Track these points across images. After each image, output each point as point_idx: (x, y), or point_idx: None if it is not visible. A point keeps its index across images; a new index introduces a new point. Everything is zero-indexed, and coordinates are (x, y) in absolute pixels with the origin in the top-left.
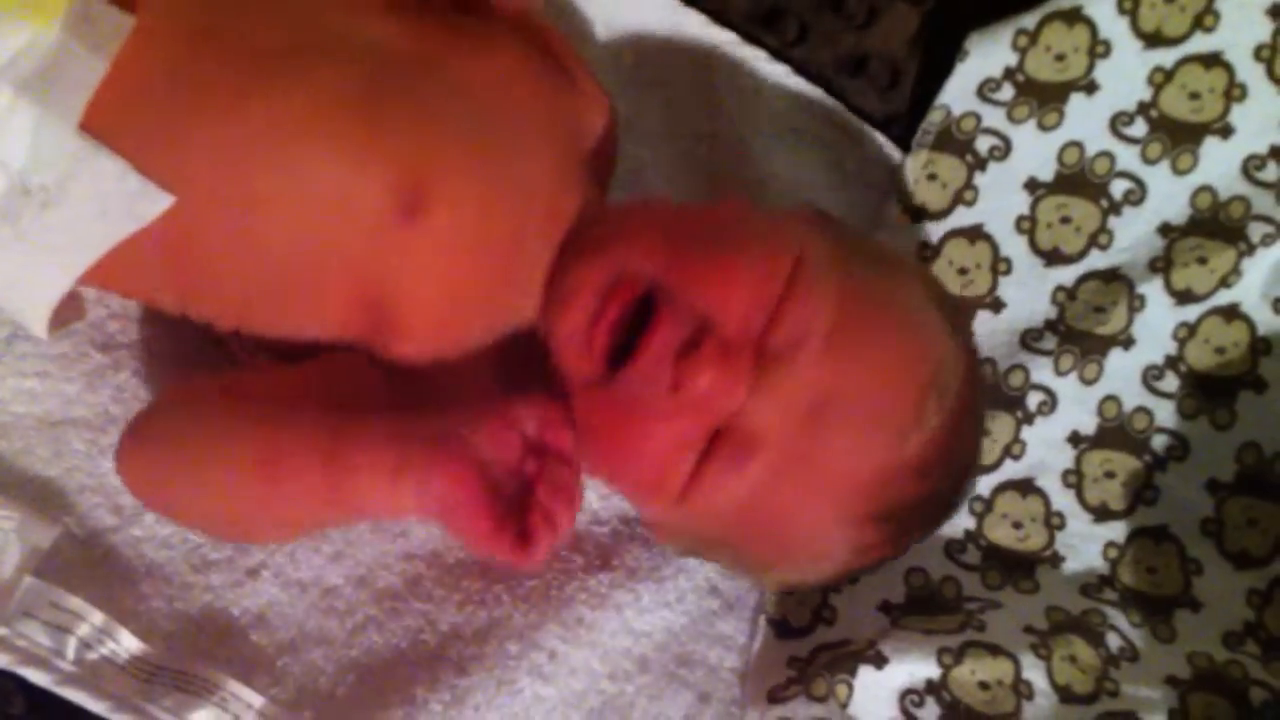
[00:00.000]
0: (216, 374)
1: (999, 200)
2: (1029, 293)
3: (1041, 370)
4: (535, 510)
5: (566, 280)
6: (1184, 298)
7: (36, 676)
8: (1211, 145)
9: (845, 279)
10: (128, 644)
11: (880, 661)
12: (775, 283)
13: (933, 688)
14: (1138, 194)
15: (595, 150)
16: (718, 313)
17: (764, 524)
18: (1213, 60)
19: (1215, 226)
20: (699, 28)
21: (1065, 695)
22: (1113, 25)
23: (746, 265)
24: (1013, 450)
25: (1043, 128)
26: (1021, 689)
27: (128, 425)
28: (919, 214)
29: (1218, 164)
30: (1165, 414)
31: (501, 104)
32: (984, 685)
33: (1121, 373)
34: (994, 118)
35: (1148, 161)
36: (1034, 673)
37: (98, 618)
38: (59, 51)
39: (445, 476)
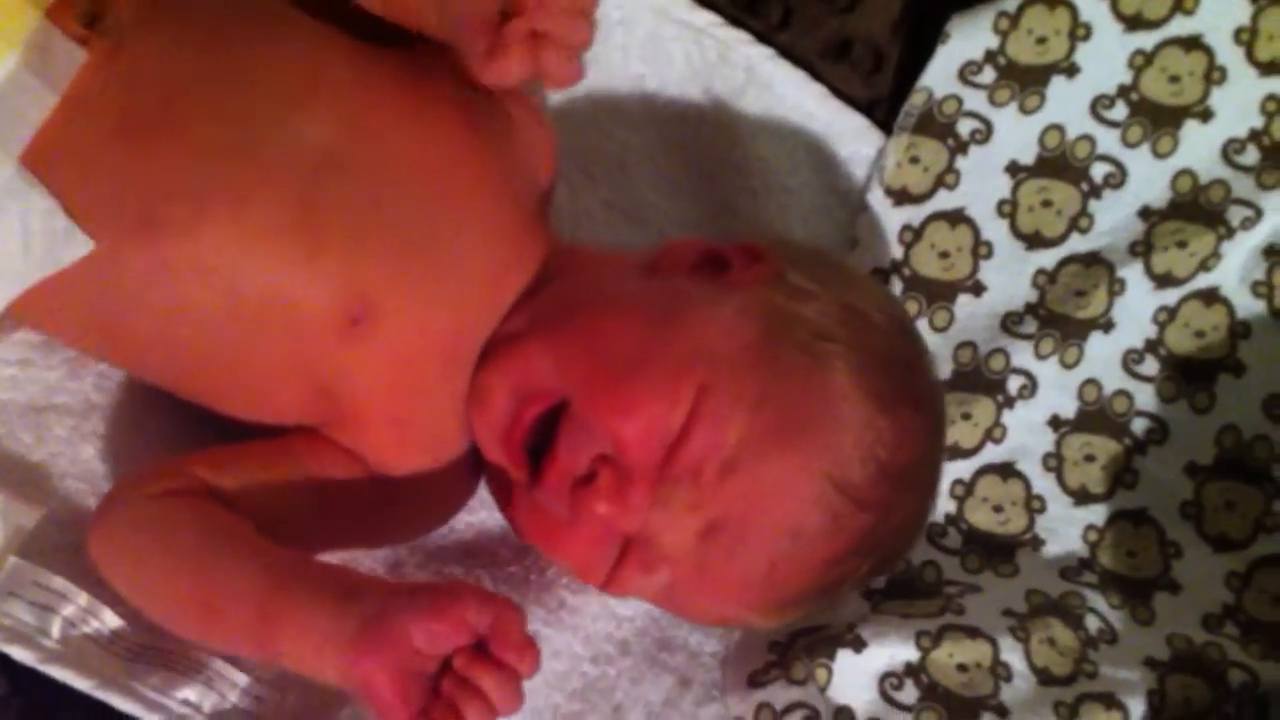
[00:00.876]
0: (199, 456)
1: (980, 183)
2: (1010, 276)
3: (1022, 354)
4: (441, 708)
5: (479, 381)
6: (1164, 281)
7: (21, 654)
8: (1191, 128)
9: (752, 402)
10: (112, 623)
11: (859, 645)
12: (676, 415)
13: (911, 670)
14: (1118, 177)
15: (547, 185)
16: (618, 441)
17: (676, 607)
18: (1193, 43)
19: (1195, 210)
20: (685, 11)
21: (1044, 677)
22: (1094, 8)
23: (650, 398)
24: (993, 434)
25: (1024, 111)
26: (1000, 671)
27: (99, 506)
28: (901, 197)
29: (1198, 147)
30: (1145, 397)
31: (448, 180)
32: (962, 668)
33: (1102, 356)
34: (975, 101)
35: (1128, 145)
36: (1012, 655)
37: (82, 598)
38: (11, 82)
39: (372, 665)
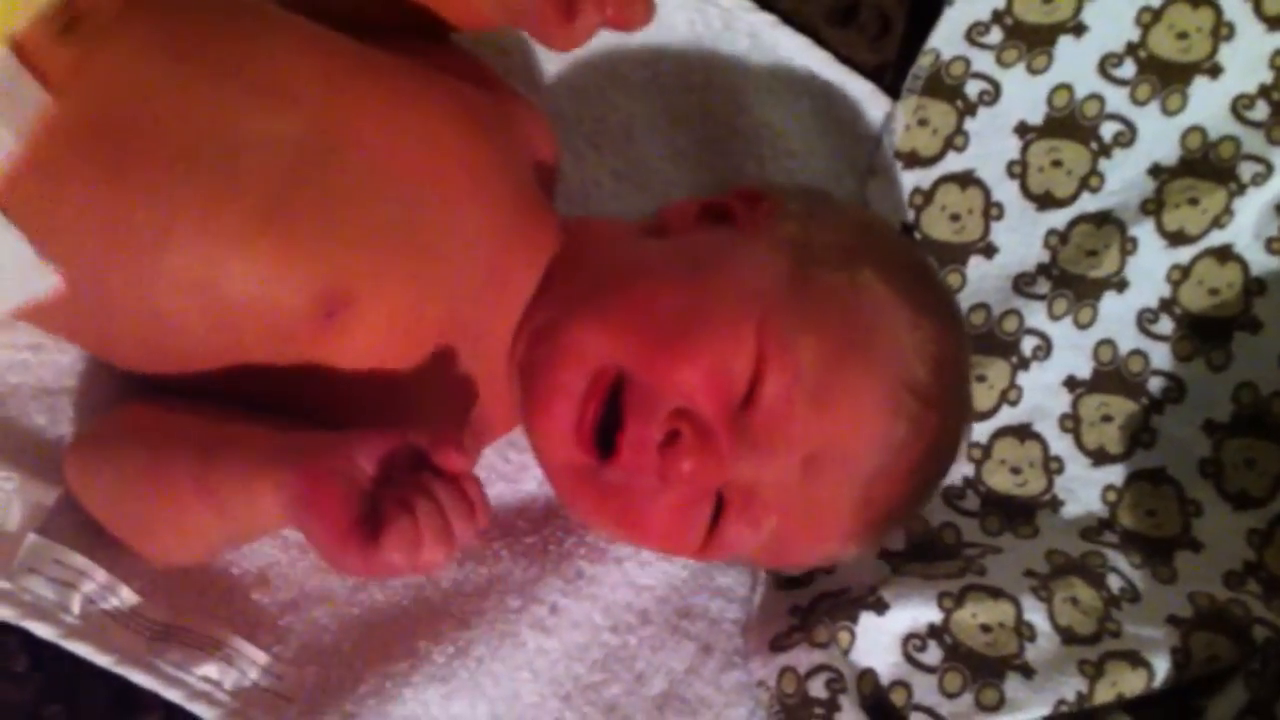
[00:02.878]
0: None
1: (990, 145)
2: (1021, 237)
3: (1036, 315)
4: (390, 504)
5: (533, 386)
6: (1176, 239)
7: (42, 630)
8: (1200, 85)
9: (812, 328)
10: (131, 600)
11: (881, 607)
12: (742, 356)
13: (934, 631)
14: (1128, 136)
15: (550, 170)
16: (687, 392)
17: (779, 554)
18: None
19: (1206, 167)
20: None
21: (1067, 636)
22: None
23: (711, 348)
24: (1009, 396)
25: (1032, 71)
26: (1023, 630)
27: (74, 436)
28: (910, 160)
29: (1207, 104)
30: (1160, 356)
31: (439, 174)
32: (986, 628)
33: (1116, 316)
34: (983, 62)
35: (1137, 103)
36: (1035, 615)
37: (101, 575)
38: None
39: (304, 477)
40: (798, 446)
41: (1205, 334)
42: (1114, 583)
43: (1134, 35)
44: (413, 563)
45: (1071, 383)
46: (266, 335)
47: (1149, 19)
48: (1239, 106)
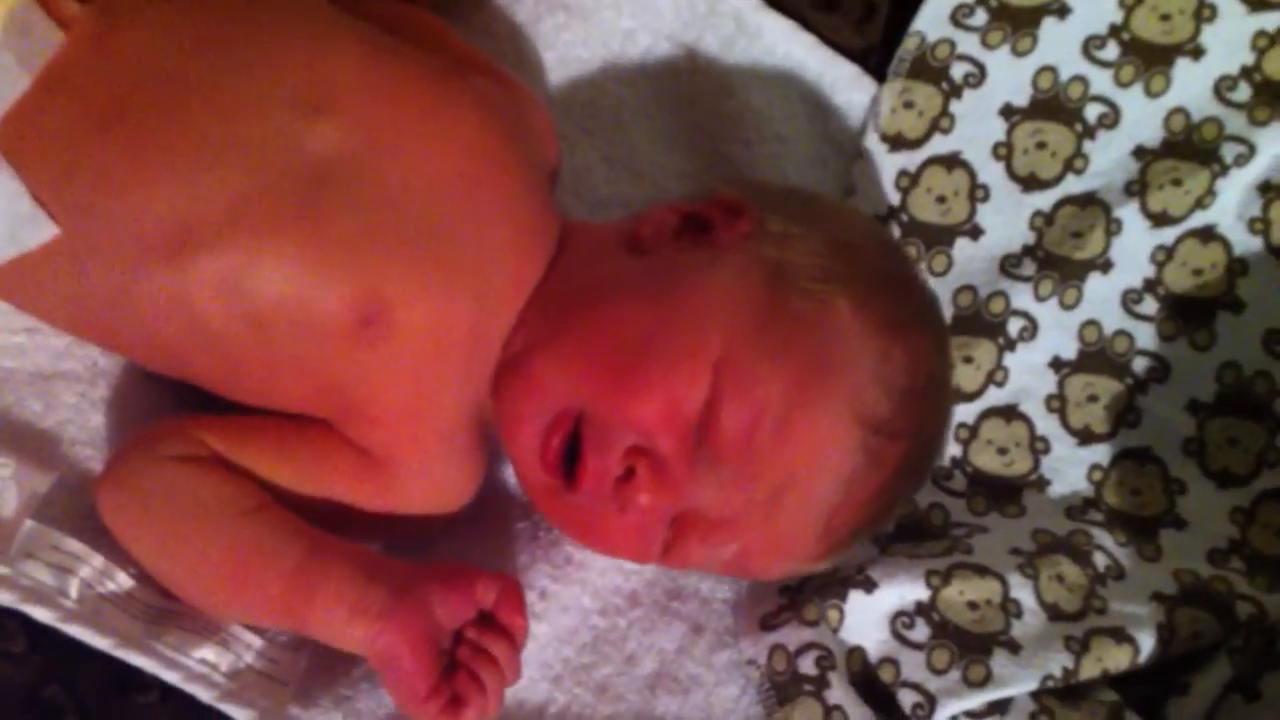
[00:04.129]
0: (209, 421)
1: (975, 127)
2: (1007, 219)
3: (1021, 296)
4: (463, 676)
5: (501, 411)
6: (1160, 220)
7: (40, 614)
8: (1183, 67)
9: (774, 361)
10: (128, 585)
11: (870, 586)
12: (695, 390)
13: (922, 609)
14: (1111, 117)
15: (554, 166)
16: (642, 431)
17: (742, 571)
18: None
19: (1189, 148)
20: None
21: (1053, 613)
22: None
23: (663, 385)
24: (996, 377)
25: (1016, 53)
26: (1010, 608)
27: (110, 459)
28: (896, 143)
29: (1190, 85)
30: (1145, 336)
31: (466, 176)
32: (973, 605)
33: (1101, 297)
34: (968, 44)
35: (1121, 84)
36: (1022, 592)
37: (98, 560)
38: None
39: (397, 634)
40: (758, 479)
41: (1189, 314)
42: (1099, 560)
43: (1117, 17)
44: None
45: (1057, 363)
46: (298, 337)
47: (1132, 1)
48: (1221, 88)
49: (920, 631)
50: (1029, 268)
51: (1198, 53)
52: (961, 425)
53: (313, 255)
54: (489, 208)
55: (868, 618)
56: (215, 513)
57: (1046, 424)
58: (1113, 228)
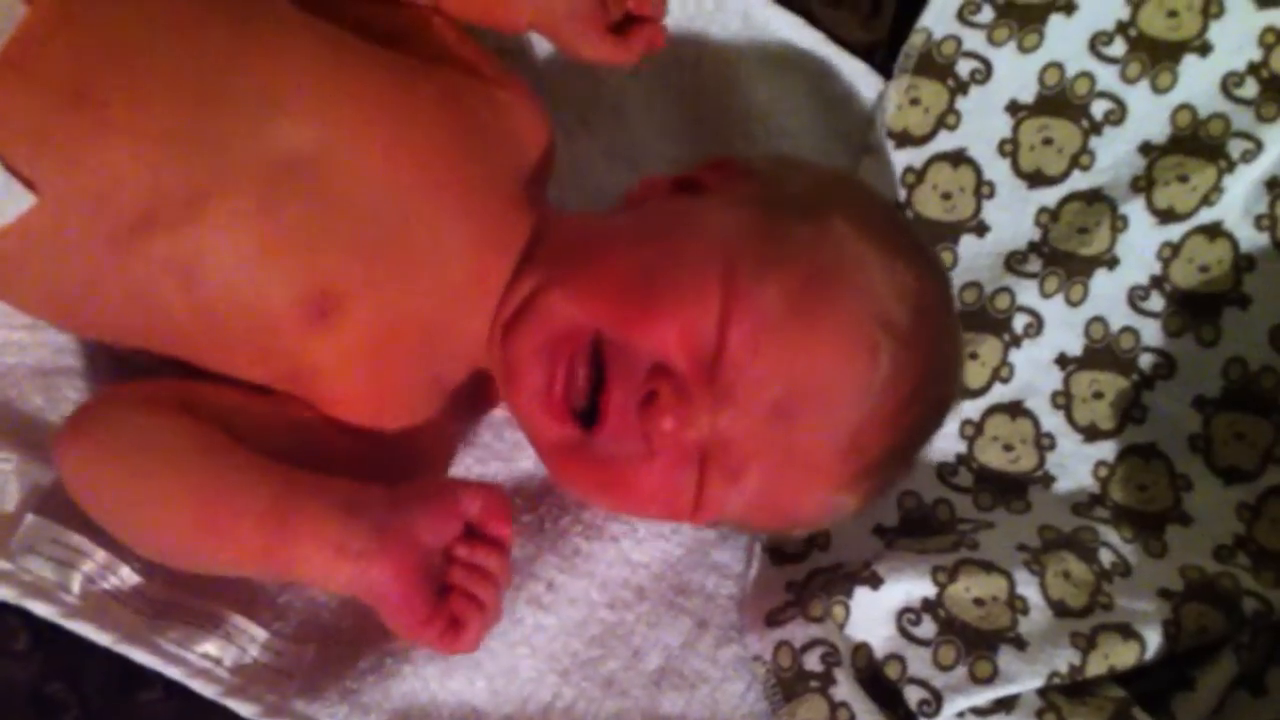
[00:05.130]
0: (178, 381)
1: (981, 123)
2: (1013, 215)
3: (1027, 292)
4: (458, 597)
5: (507, 356)
6: (1166, 217)
7: (42, 609)
8: (1190, 63)
9: (779, 273)
10: (131, 580)
11: (876, 582)
12: (710, 307)
13: (929, 605)
14: (1118, 114)
15: (539, 162)
16: (662, 349)
17: (770, 510)
18: None
19: (1196, 144)
20: None
21: (1060, 609)
22: None
23: (677, 302)
24: (1001, 374)
25: (1023, 49)
26: (1016, 604)
27: (73, 413)
28: (902, 139)
29: (1197, 81)
30: (1151, 333)
31: (425, 172)
32: (979, 601)
33: (1107, 293)
34: (974, 40)
35: (1127, 81)
36: (1028, 588)
37: (100, 555)
38: None
39: (386, 568)
40: (767, 390)
41: (1195, 310)
42: (1105, 557)
43: (1124, 13)
44: (479, 641)
45: (1063, 360)
46: (251, 328)
47: None
48: (1229, 84)
49: (926, 628)
50: (1035, 264)
51: (1205, 49)
52: (967, 422)
53: (267, 247)
54: (447, 206)
55: (874, 614)
56: (178, 451)
57: (1052, 420)
58: (1119, 224)
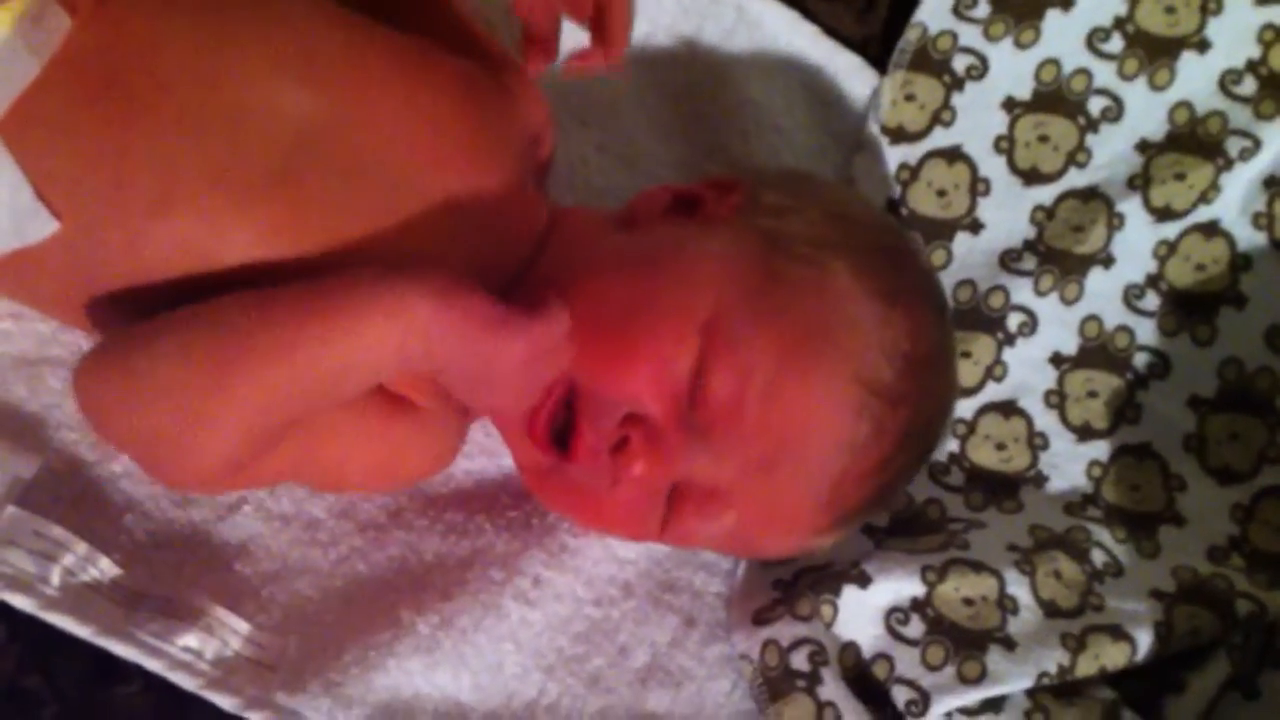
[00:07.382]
0: None
1: (977, 120)
2: (1008, 213)
3: (1022, 291)
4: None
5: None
6: (1163, 215)
7: (21, 601)
8: (1188, 60)
9: (768, 326)
10: (111, 572)
11: (864, 581)
12: (684, 357)
13: (917, 605)
14: (1115, 111)
15: (544, 149)
16: (632, 400)
17: (746, 546)
18: None
19: (1193, 142)
20: None
21: (1050, 610)
22: None
23: (651, 353)
24: (994, 372)
25: (1019, 45)
26: (1006, 604)
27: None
28: (897, 135)
29: (1195, 79)
30: (1146, 332)
31: (440, 155)
32: (968, 601)
33: (1102, 292)
34: (970, 36)
35: (1125, 78)
36: (1018, 588)
37: (81, 547)
38: (4, 49)
39: (445, 277)
40: (751, 445)
41: (1191, 309)
42: (1097, 557)
43: (1122, 9)
44: (559, 331)
45: (1057, 358)
46: None
47: None
48: (1227, 81)
49: (915, 627)
50: (1029, 262)
51: (1203, 46)
52: (959, 420)
53: (282, 223)
54: (458, 186)
55: (862, 613)
56: (237, 302)
57: (1045, 419)
58: (1115, 222)
